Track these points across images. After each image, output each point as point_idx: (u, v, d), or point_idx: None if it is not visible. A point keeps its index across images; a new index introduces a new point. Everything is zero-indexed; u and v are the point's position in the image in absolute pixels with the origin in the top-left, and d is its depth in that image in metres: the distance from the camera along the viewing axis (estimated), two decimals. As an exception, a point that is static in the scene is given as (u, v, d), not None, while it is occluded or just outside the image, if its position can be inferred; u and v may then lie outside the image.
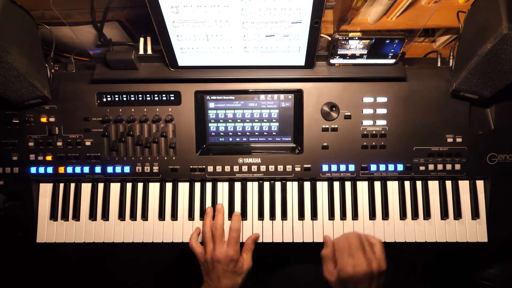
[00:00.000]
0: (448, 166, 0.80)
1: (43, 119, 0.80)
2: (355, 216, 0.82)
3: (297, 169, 0.81)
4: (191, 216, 0.83)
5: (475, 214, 0.81)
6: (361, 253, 0.65)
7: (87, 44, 0.92)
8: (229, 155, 0.82)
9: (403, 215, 0.82)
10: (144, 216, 0.83)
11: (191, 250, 0.78)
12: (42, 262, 1.06)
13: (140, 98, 0.81)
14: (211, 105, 0.83)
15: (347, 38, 0.72)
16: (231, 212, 0.82)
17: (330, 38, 0.75)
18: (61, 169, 0.80)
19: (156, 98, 0.81)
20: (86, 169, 0.80)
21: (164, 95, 0.81)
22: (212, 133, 0.84)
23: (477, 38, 0.68)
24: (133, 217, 0.82)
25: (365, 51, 0.75)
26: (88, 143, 0.80)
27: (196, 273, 0.81)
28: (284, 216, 0.82)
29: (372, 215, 0.82)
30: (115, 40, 0.92)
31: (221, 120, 0.83)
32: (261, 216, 0.82)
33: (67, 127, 0.80)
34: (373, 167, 0.80)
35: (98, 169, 0.81)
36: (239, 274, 0.74)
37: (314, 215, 0.82)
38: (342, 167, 0.81)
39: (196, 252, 0.77)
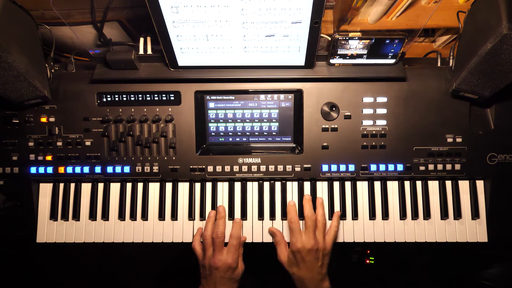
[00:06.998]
0: (448, 166, 0.80)
1: (43, 119, 0.80)
2: (355, 216, 0.82)
3: (297, 169, 0.81)
4: (191, 216, 0.83)
5: (475, 214, 0.81)
6: (312, 233, 0.75)
7: (87, 44, 0.92)
8: (229, 155, 0.82)
9: (403, 215, 0.82)
10: (144, 216, 0.83)
11: (192, 251, 0.79)
12: (42, 262, 1.06)
13: (140, 98, 0.81)
14: (211, 105, 0.82)
15: (347, 38, 0.72)
16: (231, 212, 0.82)
17: (330, 38, 0.75)
18: (61, 169, 0.80)
19: (156, 98, 0.81)
20: (86, 169, 0.80)
21: (164, 95, 0.81)
22: (212, 133, 0.84)
23: (477, 38, 0.68)
24: (133, 217, 0.82)
25: (365, 51, 0.75)
26: (88, 143, 0.80)
27: (195, 273, 0.81)
28: (284, 216, 0.82)
29: (372, 215, 0.82)
30: (115, 40, 0.92)
31: (221, 120, 0.83)
32: (261, 216, 0.82)
33: (67, 127, 0.80)
34: (373, 167, 0.80)
35: (98, 169, 0.81)
36: (235, 281, 0.75)
37: (314, 215, 0.82)
38: (342, 167, 0.81)
39: (197, 254, 0.79)
